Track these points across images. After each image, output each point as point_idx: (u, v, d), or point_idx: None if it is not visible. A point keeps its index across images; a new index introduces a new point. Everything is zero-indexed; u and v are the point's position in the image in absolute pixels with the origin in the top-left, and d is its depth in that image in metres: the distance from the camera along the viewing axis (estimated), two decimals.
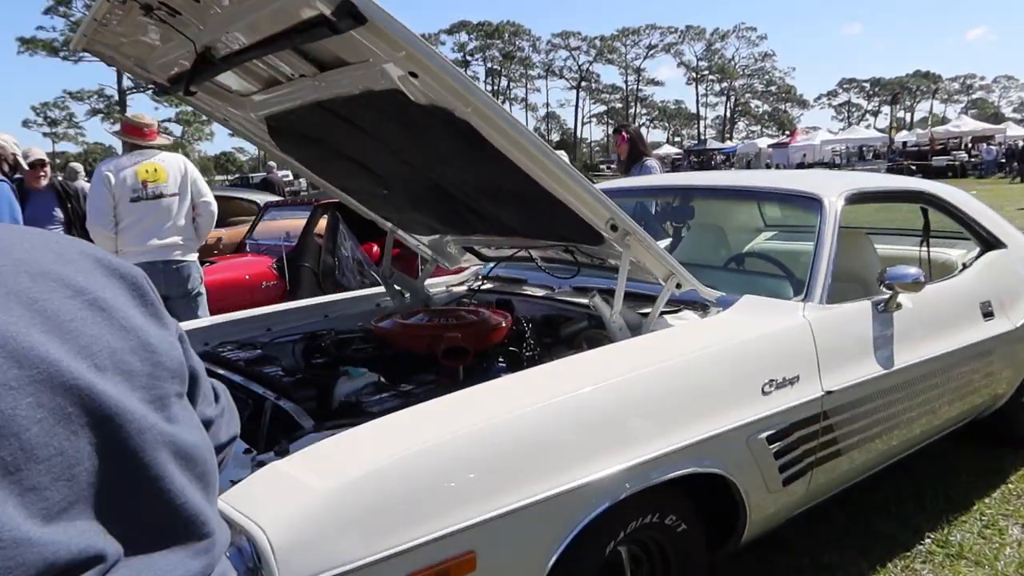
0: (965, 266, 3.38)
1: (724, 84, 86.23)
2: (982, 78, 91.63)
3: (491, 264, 3.30)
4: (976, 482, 3.37)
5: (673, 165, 55.58)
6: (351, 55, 1.95)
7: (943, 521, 3.01)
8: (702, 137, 75.72)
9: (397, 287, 3.27)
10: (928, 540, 2.88)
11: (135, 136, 4.21)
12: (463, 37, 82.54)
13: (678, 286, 2.41)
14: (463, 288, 3.36)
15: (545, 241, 2.66)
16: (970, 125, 39.77)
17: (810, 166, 41.70)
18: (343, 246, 5.47)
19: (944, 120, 50.35)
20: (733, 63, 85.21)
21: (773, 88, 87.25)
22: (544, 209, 2.27)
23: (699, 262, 3.48)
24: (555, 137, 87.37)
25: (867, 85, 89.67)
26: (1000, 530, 2.96)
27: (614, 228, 2.23)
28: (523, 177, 2.08)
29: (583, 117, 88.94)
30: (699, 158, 51.27)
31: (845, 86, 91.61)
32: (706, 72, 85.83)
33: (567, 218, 2.26)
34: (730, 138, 74.96)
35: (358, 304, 3.27)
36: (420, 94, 1.91)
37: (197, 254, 4.41)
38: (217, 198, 8.73)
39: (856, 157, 42.72)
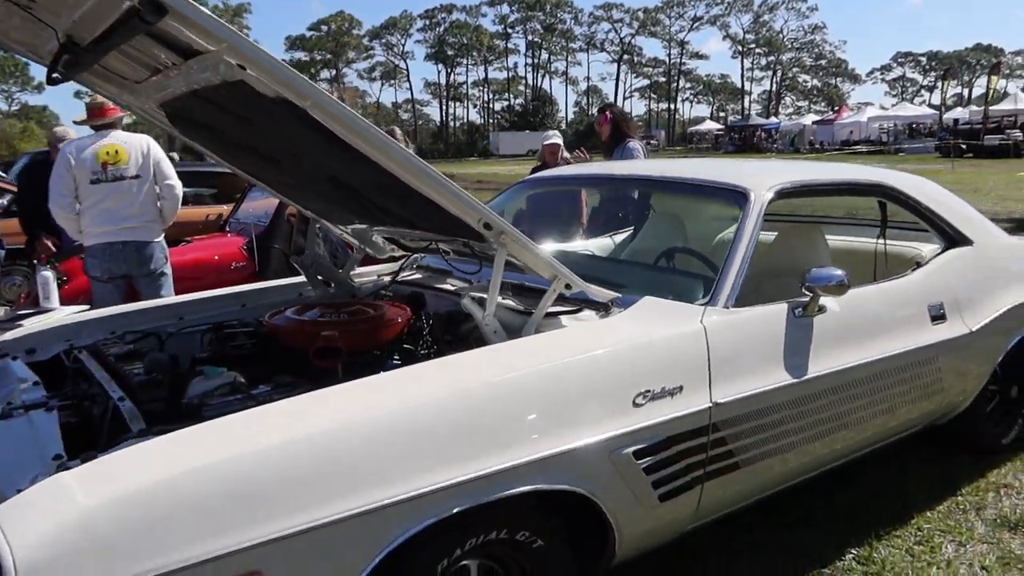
0: (919, 264, 3.18)
1: (771, 58, 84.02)
2: None
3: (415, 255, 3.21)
4: (923, 493, 3.20)
5: (715, 141, 54.62)
6: (197, 45, 1.88)
7: (873, 535, 2.85)
8: (746, 112, 74.03)
9: (320, 277, 3.20)
10: (850, 555, 2.74)
11: (96, 117, 4.22)
12: (504, 9, 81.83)
13: (568, 287, 2.29)
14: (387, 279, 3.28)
15: (441, 235, 2.56)
16: None
17: (855, 144, 40.59)
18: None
19: (1004, 96, 48.33)
20: (781, 36, 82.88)
21: (823, 62, 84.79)
22: (424, 205, 2.17)
23: (642, 256, 3.37)
24: (595, 112, 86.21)
25: (923, 59, 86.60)
26: (933, 547, 2.80)
27: (487, 227, 2.13)
28: (387, 173, 1.99)
29: (625, 91, 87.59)
30: (740, 134, 50.13)
31: (900, 60, 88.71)
32: (753, 45, 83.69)
33: (447, 214, 2.17)
34: (775, 114, 73.20)
35: (282, 293, 3.22)
36: (263, 86, 1.82)
37: (162, 235, 4.41)
38: (218, 175, 8.83)
39: (904, 135, 41.30)
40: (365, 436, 1.66)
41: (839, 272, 2.48)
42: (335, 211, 2.97)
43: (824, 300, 2.55)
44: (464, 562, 1.90)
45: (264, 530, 1.50)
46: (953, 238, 3.31)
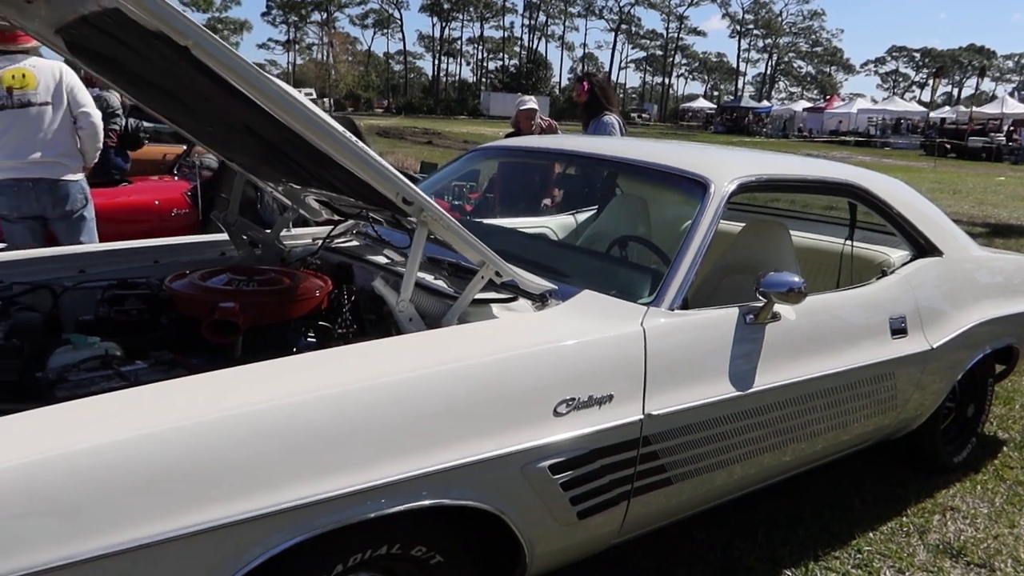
0: (884, 273, 2.99)
1: (768, 40, 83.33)
2: None
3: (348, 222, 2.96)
4: (867, 511, 3.06)
5: (706, 120, 54.34)
6: None
7: (810, 555, 2.71)
8: (739, 94, 73.62)
9: (246, 237, 2.94)
10: None
11: (6, 41, 3.86)
12: None
13: (498, 274, 2.07)
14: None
15: (367, 204, 2.32)
16: (1014, 107, 38.12)
17: (844, 134, 40.53)
18: None
19: (992, 98, 48.48)
20: (780, 19, 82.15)
21: (819, 49, 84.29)
22: (341, 169, 1.92)
23: (599, 241, 3.14)
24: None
25: (917, 55, 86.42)
26: (871, 572, 2.65)
27: (407, 202, 1.89)
28: (290, 130, 1.74)
29: (621, 62, 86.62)
30: (731, 116, 49.85)
31: (895, 54, 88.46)
32: (751, 26, 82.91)
33: (366, 184, 1.92)
34: (768, 98, 72.85)
35: (202, 251, 2.95)
36: (140, 17, 1.56)
37: (82, 173, 4.09)
38: None
39: (891, 130, 41.26)
40: (223, 437, 1.43)
41: (796, 278, 2.27)
42: (263, 167, 2.70)
43: (778, 307, 2.35)
44: None
45: (83, 547, 1.27)
46: (923, 247, 3.13)
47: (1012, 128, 33.88)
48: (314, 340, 2.28)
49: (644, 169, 2.79)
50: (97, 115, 4.05)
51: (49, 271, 2.59)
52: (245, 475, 1.43)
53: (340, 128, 1.71)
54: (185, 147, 7.25)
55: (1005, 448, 3.77)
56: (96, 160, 4.16)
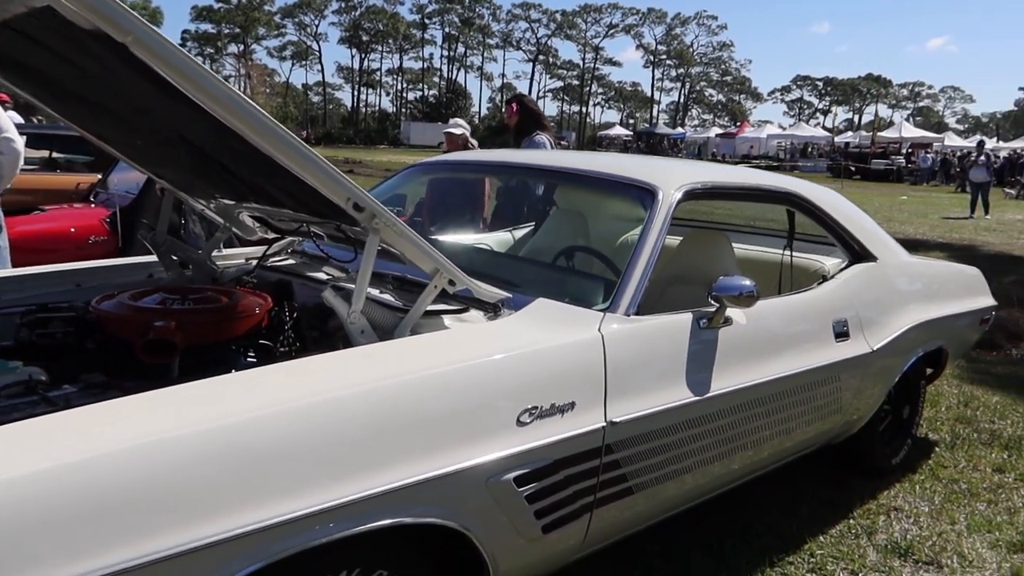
0: (825, 278, 3.06)
1: (680, 70, 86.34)
2: (930, 87, 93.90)
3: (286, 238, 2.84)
4: (814, 516, 3.08)
5: (624, 147, 55.61)
6: None
7: (765, 562, 2.70)
8: (654, 121, 75.82)
9: (176, 257, 2.79)
10: None
11: None
12: None
13: (451, 283, 2.00)
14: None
15: (310, 216, 2.22)
16: (911, 132, 40.52)
17: (755, 158, 42.16)
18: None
19: (889, 124, 51.37)
20: (691, 50, 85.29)
21: (728, 79, 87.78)
22: (290, 180, 1.83)
23: (542, 254, 3.11)
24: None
25: (820, 84, 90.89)
26: (826, 575, 2.67)
27: (358, 208, 1.81)
28: (239, 138, 1.65)
29: (539, 91, 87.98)
30: (648, 142, 51.17)
31: (799, 83, 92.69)
32: (664, 57, 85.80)
33: (316, 193, 1.83)
34: (682, 125, 75.22)
35: (127, 273, 2.78)
36: (75, 14, 1.44)
37: None
38: None
39: (799, 153, 43.16)
40: (164, 462, 1.30)
41: (748, 282, 2.28)
42: (195, 183, 2.57)
43: (731, 311, 2.36)
44: None
45: None
46: (859, 253, 3.21)
47: (911, 151, 35.94)
48: (254, 360, 2.16)
49: (591, 179, 2.79)
50: (20, 141, 3.81)
51: None
52: (189, 502, 1.31)
53: (286, 130, 1.62)
54: (101, 176, 6.95)
55: (937, 448, 3.89)
56: (7, 185, 3.90)
